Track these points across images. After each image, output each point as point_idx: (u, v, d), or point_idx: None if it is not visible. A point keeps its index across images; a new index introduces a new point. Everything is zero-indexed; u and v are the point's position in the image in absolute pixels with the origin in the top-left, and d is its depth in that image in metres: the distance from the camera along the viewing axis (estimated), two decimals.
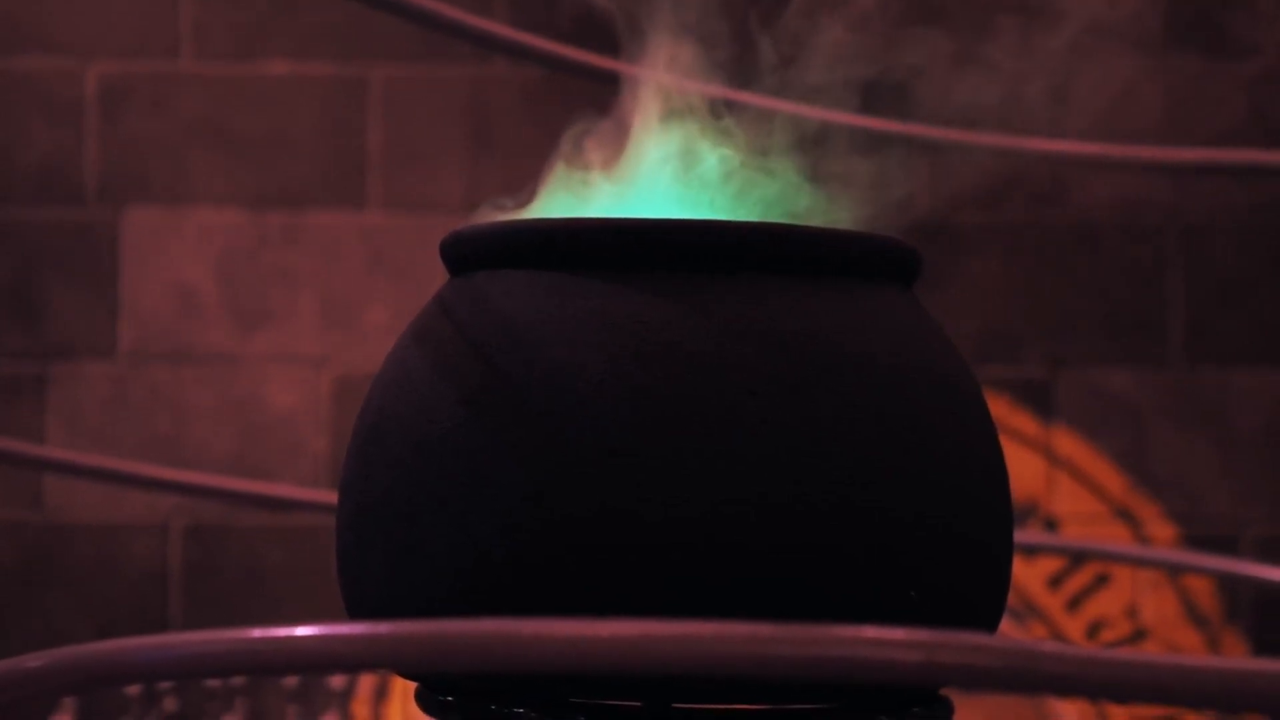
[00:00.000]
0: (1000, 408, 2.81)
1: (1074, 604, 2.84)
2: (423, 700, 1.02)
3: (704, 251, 0.96)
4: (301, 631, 0.70)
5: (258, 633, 0.71)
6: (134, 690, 2.80)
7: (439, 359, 0.97)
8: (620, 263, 0.96)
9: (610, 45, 1.69)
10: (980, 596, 1.00)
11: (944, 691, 1.04)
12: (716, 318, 0.94)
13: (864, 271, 0.99)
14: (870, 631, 0.64)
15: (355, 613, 1.01)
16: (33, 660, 0.77)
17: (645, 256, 0.96)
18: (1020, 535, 2.26)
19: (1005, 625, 2.80)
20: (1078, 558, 2.81)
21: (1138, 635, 2.83)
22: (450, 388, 0.95)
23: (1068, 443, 2.84)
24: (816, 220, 1.08)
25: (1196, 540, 2.82)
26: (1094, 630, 2.83)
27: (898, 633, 0.64)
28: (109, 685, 0.77)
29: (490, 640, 0.67)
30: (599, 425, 0.92)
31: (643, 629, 0.65)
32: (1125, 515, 2.84)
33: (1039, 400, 2.84)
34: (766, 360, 0.93)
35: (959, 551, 0.97)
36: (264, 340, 2.83)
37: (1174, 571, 2.80)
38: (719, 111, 1.09)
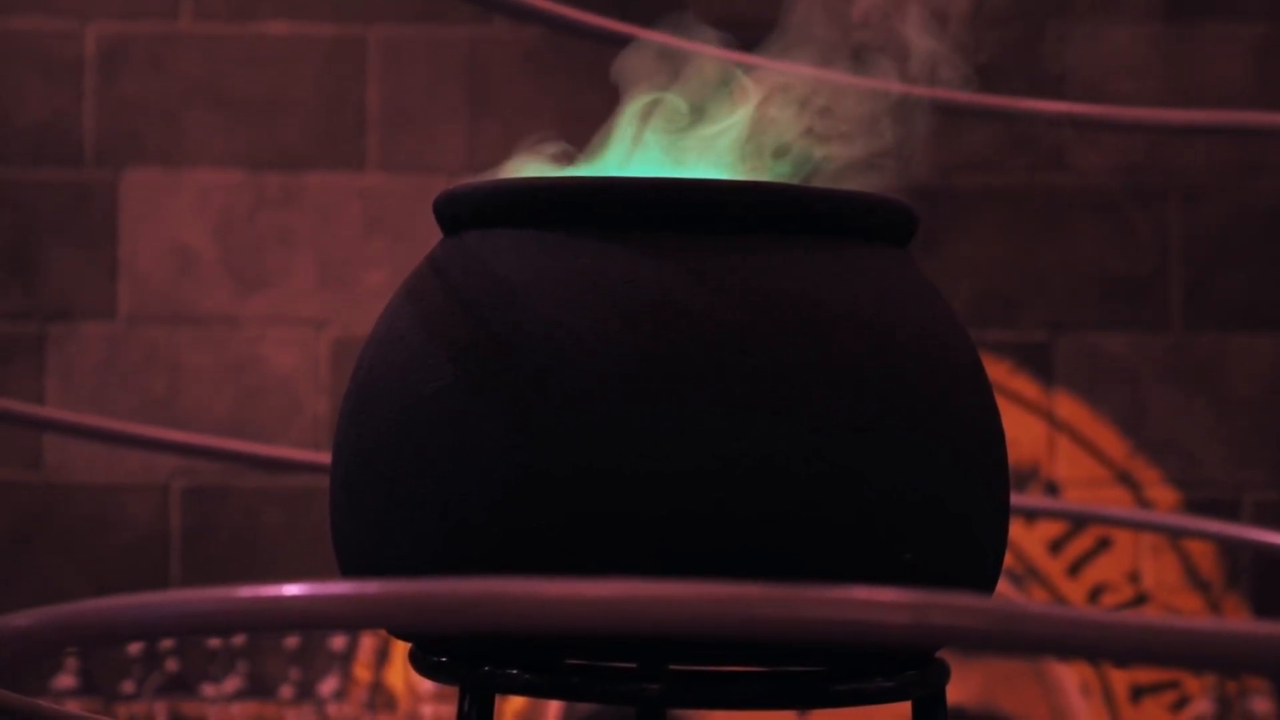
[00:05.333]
0: (1001, 371, 2.81)
1: (1075, 569, 2.84)
2: (417, 661, 1.01)
3: (695, 210, 0.95)
4: (289, 590, 0.70)
5: (246, 591, 0.71)
6: (135, 652, 2.80)
7: (429, 318, 0.97)
8: (611, 222, 0.96)
9: (610, 6, 1.68)
10: (976, 559, 0.99)
11: (940, 655, 1.04)
12: (708, 277, 0.94)
13: (858, 231, 0.99)
14: (860, 592, 0.64)
15: (348, 572, 1.01)
16: (21, 618, 0.77)
17: (636, 215, 0.95)
18: (1021, 499, 2.25)
19: (1006, 590, 2.80)
20: (1079, 522, 2.81)
21: (1139, 600, 2.83)
22: (440, 347, 0.95)
23: (1069, 407, 2.84)
24: (816, 179, 1.08)
25: (1197, 505, 2.82)
26: (1095, 595, 2.83)
27: (887, 593, 0.64)
28: (98, 644, 0.76)
29: (478, 599, 0.66)
30: (588, 384, 0.91)
31: (629, 589, 0.64)
32: (1126, 480, 2.83)
33: (1039, 364, 2.84)
34: (758, 320, 0.93)
35: (954, 514, 0.97)
36: (262, 302, 2.83)
37: (1175, 536, 2.80)
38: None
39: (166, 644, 2.80)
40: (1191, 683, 2.82)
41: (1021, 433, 2.80)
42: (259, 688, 2.81)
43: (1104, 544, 2.84)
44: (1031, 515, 2.73)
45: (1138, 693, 2.82)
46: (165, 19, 2.84)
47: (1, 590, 2.79)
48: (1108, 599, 2.83)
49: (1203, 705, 2.81)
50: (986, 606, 0.63)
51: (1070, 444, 2.84)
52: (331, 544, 1.04)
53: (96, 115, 2.83)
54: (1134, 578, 2.83)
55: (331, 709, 2.80)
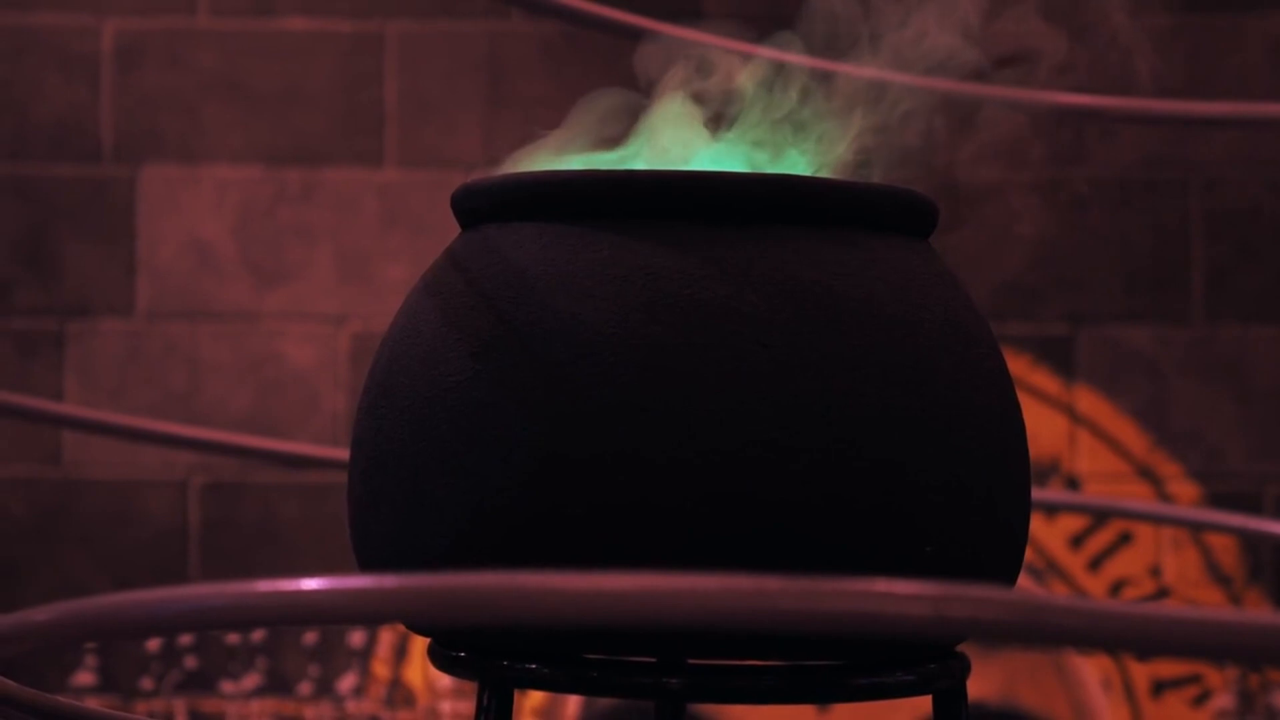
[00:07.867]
0: (1021, 365, 2.80)
1: (1096, 563, 2.83)
2: (435, 657, 1.01)
3: (715, 203, 0.95)
4: (308, 584, 0.70)
5: (264, 586, 0.71)
6: (154, 649, 2.80)
7: (448, 312, 0.97)
8: (631, 214, 0.95)
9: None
10: (996, 552, 0.99)
11: (961, 649, 1.03)
12: (728, 269, 0.93)
13: (879, 223, 0.98)
14: (880, 585, 0.64)
15: (366, 566, 1.01)
16: (39, 613, 0.77)
17: (655, 208, 0.95)
18: (1042, 494, 2.25)
19: (1027, 585, 2.79)
20: (1100, 516, 2.80)
21: (1160, 594, 2.82)
22: (459, 341, 0.95)
23: (1089, 401, 2.83)
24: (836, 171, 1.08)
25: (1218, 498, 2.81)
26: (1116, 590, 2.82)
27: (907, 586, 0.63)
28: (117, 639, 0.76)
29: (496, 594, 0.66)
30: (608, 377, 0.91)
31: (648, 583, 0.64)
32: (1147, 474, 2.83)
33: (1060, 358, 2.83)
34: (778, 312, 0.93)
35: (975, 507, 0.96)
36: (281, 297, 2.83)
37: (1196, 530, 2.79)
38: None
39: (185, 641, 2.80)
40: (1213, 677, 2.82)
41: (1042, 427, 2.80)
42: (278, 684, 2.81)
43: (1125, 538, 2.83)
44: (1052, 510, 2.72)
45: (1159, 687, 2.82)
46: (183, 14, 2.84)
47: (21, 585, 2.79)
48: (1129, 593, 2.82)
49: (1224, 700, 2.81)
50: (1007, 598, 0.63)
51: (1091, 438, 2.83)
52: (350, 539, 1.03)
53: (114, 111, 2.83)
54: (1155, 572, 2.82)
55: (350, 705, 2.81)
